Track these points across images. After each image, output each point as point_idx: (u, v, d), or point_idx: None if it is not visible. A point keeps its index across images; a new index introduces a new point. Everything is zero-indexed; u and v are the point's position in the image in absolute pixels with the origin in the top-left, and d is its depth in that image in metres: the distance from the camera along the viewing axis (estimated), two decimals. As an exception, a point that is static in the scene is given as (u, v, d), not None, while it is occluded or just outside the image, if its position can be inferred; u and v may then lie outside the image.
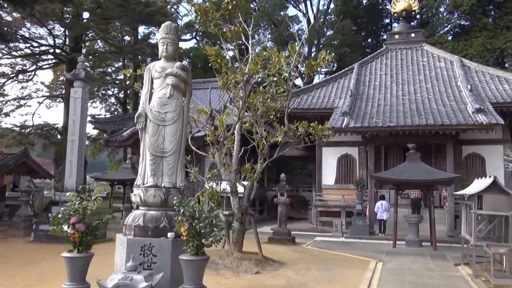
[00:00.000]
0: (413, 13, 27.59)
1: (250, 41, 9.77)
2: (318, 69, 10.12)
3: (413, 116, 18.85)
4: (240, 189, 10.16)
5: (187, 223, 5.23)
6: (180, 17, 44.08)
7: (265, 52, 9.45)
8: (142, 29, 45.30)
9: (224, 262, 9.23)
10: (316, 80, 34.22)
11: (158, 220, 6.17)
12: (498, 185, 10.57)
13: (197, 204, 5.25)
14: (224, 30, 8.51)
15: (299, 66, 10.74)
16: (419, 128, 17.97)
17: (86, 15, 32.29)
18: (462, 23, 44.54)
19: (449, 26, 45.70)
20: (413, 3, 27.17)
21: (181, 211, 5.38)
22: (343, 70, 25.93)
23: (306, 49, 49.84)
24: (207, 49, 7.65)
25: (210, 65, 8.33)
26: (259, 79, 9.63)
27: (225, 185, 10.57)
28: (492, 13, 43.48)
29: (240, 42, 10.53)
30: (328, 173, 23.03)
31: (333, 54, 10.72)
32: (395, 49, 26.43)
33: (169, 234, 5.90)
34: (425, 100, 20.80)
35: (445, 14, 45.80)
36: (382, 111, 20.04)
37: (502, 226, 10.49)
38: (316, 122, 11.81)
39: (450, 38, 44.39)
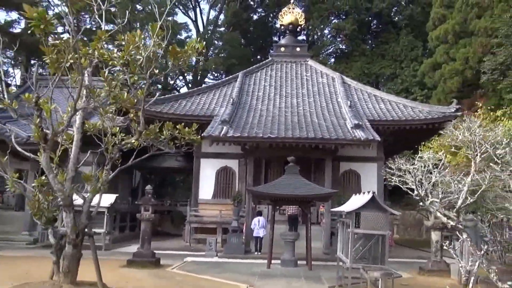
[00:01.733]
0: (300, 27, 27.53)
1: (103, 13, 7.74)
2: (186, 59, 8.37)
3: (295, 128, 18.17)
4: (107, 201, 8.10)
5: None
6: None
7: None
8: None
9: (47, 299, 7.05)
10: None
11: None
12: (376, 201, 9.85)
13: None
14: None
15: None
16: (299, 141, 17.28)
17: None
18: (343, 47, 46.77)
19: (332, 48, 47.70)
20: (299, 18, 27.14)
21: None
22: (226, 78, 24.88)
23: (194, 58, 48.46)
24: (25, 8, 5.58)
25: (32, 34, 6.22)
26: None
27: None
28: (370, 41, 46.27)
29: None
30: (206, 187, 21.50)
31: (204, 43, 9.04)
32: (281, 61, 26.06)
33: None
34: (307, 113, 20.37)
35: (329, 36, 47.76)
36: (264, 122, 19.11)
37: (379, 246, 9.75)
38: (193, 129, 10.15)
39: (332, 60, 46.26)
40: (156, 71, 9.46)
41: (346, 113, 19.80)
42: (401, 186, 8.38)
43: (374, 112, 20.69)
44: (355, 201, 11.41)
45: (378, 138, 17.16)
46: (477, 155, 6.89)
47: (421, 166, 7.74)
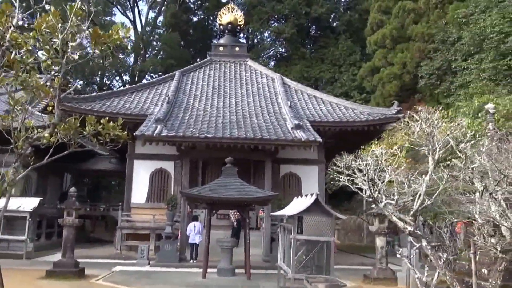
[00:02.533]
0: (239, 27, 26.72)
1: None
2: (111, 45, 7.14)
3: (233, 128, 17.23)
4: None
5: None
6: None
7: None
8: None
9: None
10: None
11: None
12: (320, 204, 9.10)
13: None
14: None
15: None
16: (238, 141, 16.36)
17: None
18: (283, 50, 46.69)
19: (272, 51, 47.50)
20: (239, 18, 26.37)
21: None
22: (163, 76, 23.52)
23: (132, 59, 46.46)
24: None
25: None
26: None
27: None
28: (309, 45, 46.49)
29: None
30: (140, 190, 20.11)
31: (131, 28, 7.86)
32: (219, 61, 25.10)
33: None
34: (246, 113, 19.52)
35: (269, 40, 47.53)
36: (201, 121, 18.02)
37: (323, 253, 8.99)
38: (127, 128, 8.90)
39: (272, 63, 46.02)
40: (76, 57, 8.15)
41: (286, 114, 19.16)
42: (351, 186, 7.64)
43: (315, 113, 20.21)
44: (297, 204, 10.64)
45: (319, 139, 16.59)
46: (435, 150, 6.28)
47: (374, 163, 7.01)
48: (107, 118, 8.23)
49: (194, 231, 16.28)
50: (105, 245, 22.00)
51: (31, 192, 22.47)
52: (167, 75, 23.94)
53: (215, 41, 31.55)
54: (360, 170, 7.15)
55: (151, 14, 48.60)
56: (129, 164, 20.11)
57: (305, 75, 39.87)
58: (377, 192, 6.93)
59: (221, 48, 25.75)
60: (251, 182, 17.48)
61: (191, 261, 16.31)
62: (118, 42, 7.82)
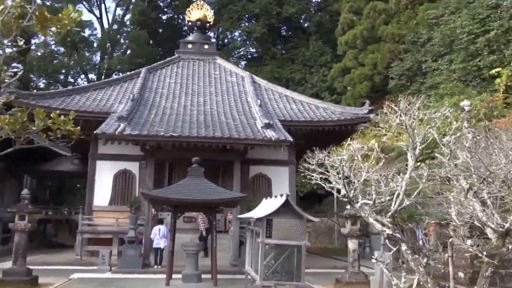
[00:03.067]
0: (208, 24, 25.98)
1: None
2: (59, 29, 6.38)
3: (200, 127, 16.49)
4: None
5: None
6: None
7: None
8: None
9: None
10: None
11: None
12: (291, 206, 8.50)
13: None
14: None
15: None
16: (205, 140, 15.63)
17: None
18: (254, 50, 46.25)
19: (243, 51, 46.96)
20: (208, 14, 25.66)
21: None
22: (128, 74, 22.54)
23: (98, 57, 45.07)
24: None
25: None
26: None
27: None
28: (280, 46, 46.17)
29: None
30: (102, 192, 19.09)
31: (82, 12, 7.08)
32: (188, 58, 24.29)
33: None
34: (214, 112, 18.80)
35: (239, 39, 46.97)
36: (167, 120, 17.20)
37: (294, 258, 8.39)
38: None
39: (243, 63, 45.46)
40: (22, 43, 7.33)
41: (256, 113, 18.55)
42: (324, 185, 7.06)
43: (286, 113, 19.67)
44: (266, 206, 10.03)
45: (290, 138, 16.04)
46: (415, 145, 5.76)
47: (349, 160, 6.44)
48: (58, 112, 7.42)
49: (158, 235, 15.47)
50: (67, 251, 20.88)
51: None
52: (132, 72, 22.99)
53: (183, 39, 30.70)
54: (334, 168, 6.57)
55: (119, 11, 47.32)
56: (91, 164, 19.09)
57: (276, 76, 39.49)
58: (352, 191, 6.35)
59: (189, 46, 24.94)
60: (219, 184, 16.80)
61: (156, 266, 15.49)
62: (69, 27, 7.00)
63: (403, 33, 30.43)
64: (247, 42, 45.09)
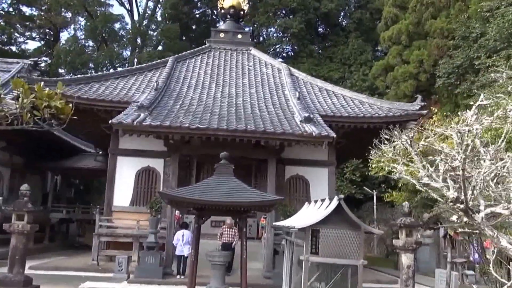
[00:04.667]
0: (242, 12, 24.16)
1: None
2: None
3: (231, 120, 14.54)
4: None
5: None
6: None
7: None
8: None
9: None
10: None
11: None
12: (345, 212, 6.42)
13: None
14: None
15: None
16: (236, 134, 13.65)
17: None
18: (289, 47, 44.35)
19: (279, 48, 45.14)
20: (242, 2, 23.81)
21: None
22: (154, 62, 20.88)
23: (128, 52, 44.04)
24: None
25: None
26: None
27: None
28: (318, 43, 44.16)
29: None
30: (123, 191, 17.47)
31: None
32: (219, 48, 22.50)
33: None
34: (247, 105, 16.87)
35: (275, 35, 45.19)
36: (194, 111, 15.34)
37: (347, 282, 6.31)
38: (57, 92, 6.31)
39: (279, 60, 43.58)
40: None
41: (294, 106, 16.51)
42: (416, 182, 4.92)
43: (326, 107, 17.56)
44: (309, 213, 7.99)
45: (333, 134, 13.91)
46: None
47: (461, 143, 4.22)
48: (48, 89, 5.50)
49: (182, 241, 13.63)
50: (88, 253, 19.39)
51: (1, 193, 19.93)
52: (158, 61, 21.33)
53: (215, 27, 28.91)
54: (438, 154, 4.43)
55: (150, 5, 46.15)
56: (111, 160, 17.47)
57: (313, 74, 37.27)
58: (470, 192, 4.10)
59: (221, 35, 23.14)
60: (252, 185, 14.83)
61: (178, 276, 13.65)
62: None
63: (452, 27, 27.86)
64: (283, 39, 43.11)
